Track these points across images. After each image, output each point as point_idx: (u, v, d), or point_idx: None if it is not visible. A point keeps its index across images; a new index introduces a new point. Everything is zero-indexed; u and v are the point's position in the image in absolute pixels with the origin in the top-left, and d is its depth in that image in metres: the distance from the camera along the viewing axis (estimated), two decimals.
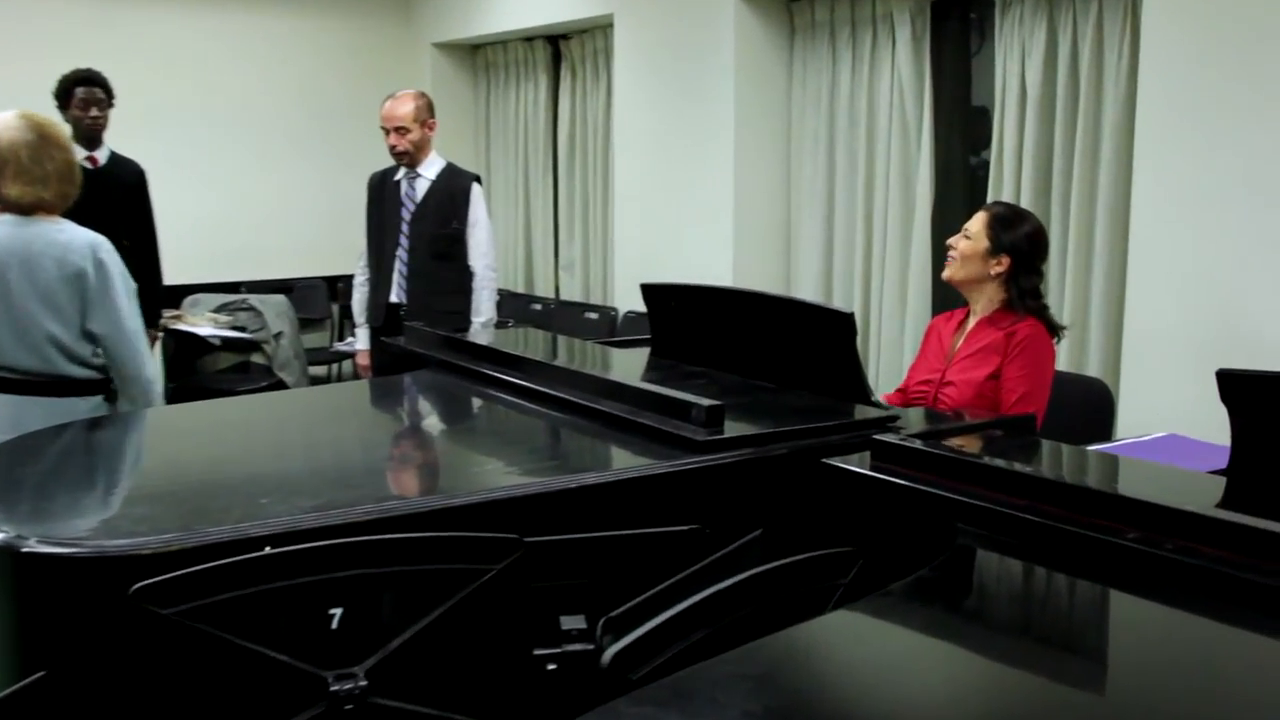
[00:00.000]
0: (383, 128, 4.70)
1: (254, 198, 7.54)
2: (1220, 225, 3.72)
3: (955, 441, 2.40)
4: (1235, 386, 2.11)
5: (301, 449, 2.56)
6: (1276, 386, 2.08)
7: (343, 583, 1.82)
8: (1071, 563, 1.81)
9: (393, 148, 4.69)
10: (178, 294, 6.56)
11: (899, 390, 3.30)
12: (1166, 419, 3.46)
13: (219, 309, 6.64)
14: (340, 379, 7.45)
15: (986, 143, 4.85)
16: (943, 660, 1.60)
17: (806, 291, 5.55)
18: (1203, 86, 3.74)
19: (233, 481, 2.22)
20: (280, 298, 6.88)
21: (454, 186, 4.75)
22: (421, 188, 4.73)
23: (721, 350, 3.03)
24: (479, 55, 8.05)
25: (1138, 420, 3.77)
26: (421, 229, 4.69)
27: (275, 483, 2.19)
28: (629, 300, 6.21)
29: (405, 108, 4.68)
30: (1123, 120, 4.22)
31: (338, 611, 1.83)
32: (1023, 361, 3.03)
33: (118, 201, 4.88)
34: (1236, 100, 3.66)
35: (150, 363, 3.24)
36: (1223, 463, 2.24)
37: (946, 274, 3.20)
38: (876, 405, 2.66)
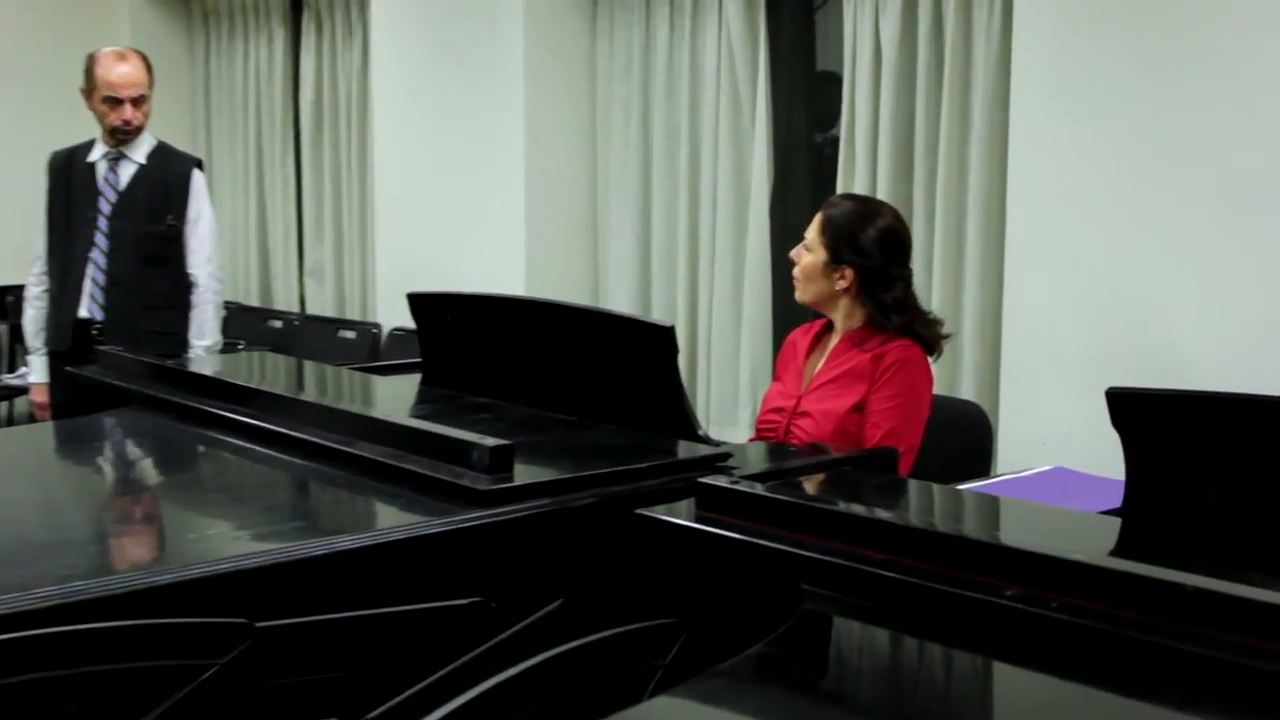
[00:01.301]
0: (109, 98, 4.58)
1: None
2: (1115, 215, 3.86)
3: (801, 483, 2.45)
4: (1128, 409, 2.21)
5: None
6: (1175, 408, 2.18)
7: (9, 692, 1.75)
8: (944, 628, 1.86)
9: (125, 124, 4.60)
10: None
11: None
12: (1053, 449, 3.59)
13: None
14: (10, 422, 7.18)
15: (835, 116, 4.97)
16: None
17: (618, 301, 5.59)
18: (1091, 49, 3.89)
19: None
20: None
21: (169, 172, 4.69)
22: (126, 173, 4.65)
23: (511, 376, 3.03)
24: (194, 0, 7.89)
25: (1020, 451, 3.89)
26: (125, 225, 4.61)
27: None
28: (394, 314, 6.14)
29: (142, 71, 4.61)
30: (996, 89, 4.36)
31: None
32: (891, 390, 3.10)
33: None
34: (1132, 67, 3.81)
35: None
36: (1117, 500, 2.34)
37: (796, 296, 3.29)
38: (704, 441, 2.70)
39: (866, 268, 3.15)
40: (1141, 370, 3.69)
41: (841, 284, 3.17)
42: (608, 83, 5.69)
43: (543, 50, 5.61)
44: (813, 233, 3.20)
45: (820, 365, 3.24)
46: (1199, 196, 3.70)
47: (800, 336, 3.37)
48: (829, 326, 3.30)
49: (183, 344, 4.60)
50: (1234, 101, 3.63)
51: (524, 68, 5.57)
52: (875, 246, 3.15)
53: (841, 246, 3.15)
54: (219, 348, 4.73)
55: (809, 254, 3.20)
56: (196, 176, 4.72)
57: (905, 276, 3.21)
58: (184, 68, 7.89)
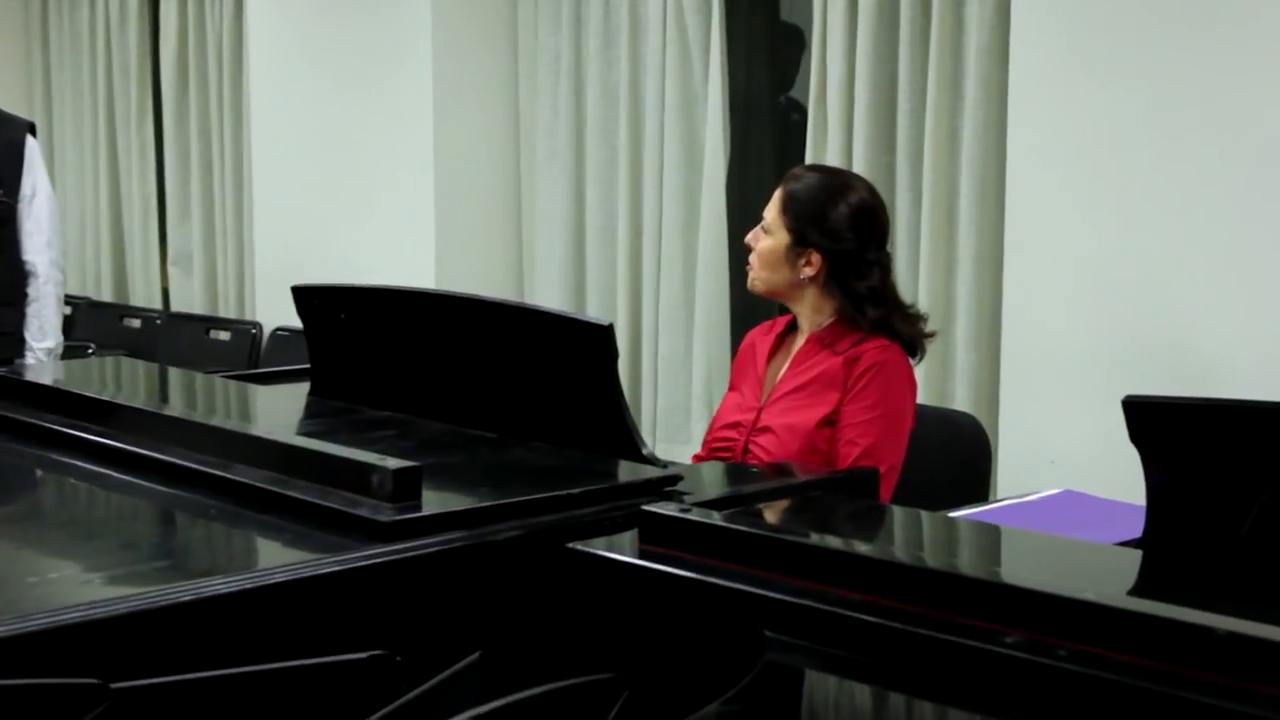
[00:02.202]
0: None
1: None
2: (1133, 192, 3.90)
3: (763, 511, 2.46)
4: (1150, 421, 2.23)
5: None
6: (1203, 420, 2.21)
7: None
8: (935, 682, 1.88)
9: None
10: None
11: None
12: (1062, 469, 3.63)
13: None
14: None
15: (803, 75, 4.99)
16: None
17: (546, 296, 5.59)
18: None
19: None
20: None
21: None
22: None
23: (418, 385, 3.02)
24: None
25: (1023, 471, 3.93)
26: None
27: None
28: (278, 312, 6.12)
29: None
30: (993, 42, 4.38)
31: None
32: (868, 400, 3.12)
33: None
34: (1154, 13, 3.84)
35: None
36: (1137, 528, 2.36)
37: (754, 287, 3.29)
38: (649, 461, 2.70)
39: (836, 252, 3.16)
40: (1164, 376, 3.72)
41: (807, 271, 3.18)
42: (532, 34, 5.68)
43: None
44: (772, 211, 3.21)
45: (784, 371, 3.25)
46: (1233, 169, 3.72)
47: (760, 337, 3.37)
48: (793, 325, 3.31)
49: (18, 347, 4.60)
50: (1275, 52, 3.65)
51: (431, 15, 5.56)
52: (846, 226, 3.16)
53: (806, 227, 3.16)
54: (61, 350, 4.70)
55: (768, 237, 3.21)
56: (30, 144, 4.71)
57: (882, 262, 3.22)
58: (15, 12, 7.83)
